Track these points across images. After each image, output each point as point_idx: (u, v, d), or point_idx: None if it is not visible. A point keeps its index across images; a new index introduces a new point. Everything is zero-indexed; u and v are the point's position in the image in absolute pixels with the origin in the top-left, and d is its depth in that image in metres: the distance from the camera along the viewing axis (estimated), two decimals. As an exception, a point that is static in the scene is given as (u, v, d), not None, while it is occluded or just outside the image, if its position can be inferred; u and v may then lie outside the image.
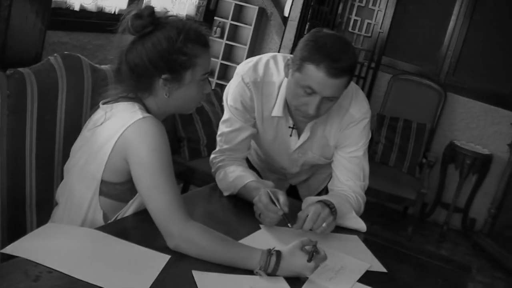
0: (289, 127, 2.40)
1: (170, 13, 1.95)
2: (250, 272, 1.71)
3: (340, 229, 2.24)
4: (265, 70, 2.35)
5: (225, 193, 2.34)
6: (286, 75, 2.21)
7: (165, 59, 1.84)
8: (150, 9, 1.86)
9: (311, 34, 2.14)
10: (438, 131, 5.89)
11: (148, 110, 1.90)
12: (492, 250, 5.34)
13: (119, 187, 1.89)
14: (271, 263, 1.70)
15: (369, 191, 5.03)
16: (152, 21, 1.85)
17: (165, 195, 1.75)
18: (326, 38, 2.09)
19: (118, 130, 1.80)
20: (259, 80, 2.34)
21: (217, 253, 1.72)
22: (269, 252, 1.72)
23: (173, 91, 1.90)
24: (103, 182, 1.87)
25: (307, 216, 2.04)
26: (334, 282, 1.79)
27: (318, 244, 1.77)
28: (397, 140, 5.57)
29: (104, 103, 1.92)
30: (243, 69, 2.37)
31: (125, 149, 1.79)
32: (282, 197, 2.08)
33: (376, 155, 5.58)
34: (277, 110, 2.34)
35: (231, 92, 2.38)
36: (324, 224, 2.05)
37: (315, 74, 2.06)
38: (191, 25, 1.91)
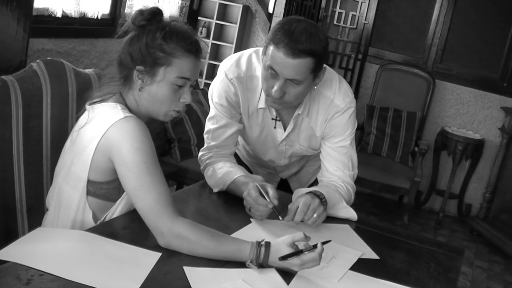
0: (272, 118, 2.40)
1: (172, 18, 1.98)
2: (241, 265, 1.72)
3: (331, 219, 2.25)
4: (247, 64, 2.36)
5: (215, 190, 2.34)
6: (261, 62, 2.22)
7: (142, 51, 1.87)
8: (154, 9, 1.91)
9: (281, 20, 2.16)
10: (428, 118, 5.91)
11: (129, 109, 1.91)
12: (489, 234, 5.37)
13: (105, 186, 1.90)
14: (261, 255, 1.71)
15: (363, 182, 5.11)
16: (149, 18, 1.89)
17: (151, 193, 1.76)
18: (291, 22, 2.10)
19: (100, 130, 1.81)
20: (243, 75, 2.35)
21: (209, 247, 1.72)
22: (259, 244, 1.73)
23: (145, 86, 1.90)
24: (89, 182, 1.88)
25: (298, 207, 2.05)
26: (325, 271, 1.80)
27: (308, 234, 1.78)
28: (388, 130, 5.58)
29: (90, 104, 1.94)
30: (226, 65, 2.37)
31: (109, 149, 1.80)
32: (271, 190, 2.09)
33: (368, 146, 5.59)
34: (262, 101, 2.35)
35: (216, 89, 2.39)
36: (315, 215, 2.06)
37: (275, 54, 2.07)
38: (181, 29, 1.92)
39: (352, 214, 2.31)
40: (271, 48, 2.09)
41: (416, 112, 5.65)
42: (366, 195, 6.00)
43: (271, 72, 2.12)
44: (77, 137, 1.90)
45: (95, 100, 1.94)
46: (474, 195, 5.94)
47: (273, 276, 1.70)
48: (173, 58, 1.87)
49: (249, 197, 2.09)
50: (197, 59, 1.94)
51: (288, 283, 1.68)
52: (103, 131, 1.80)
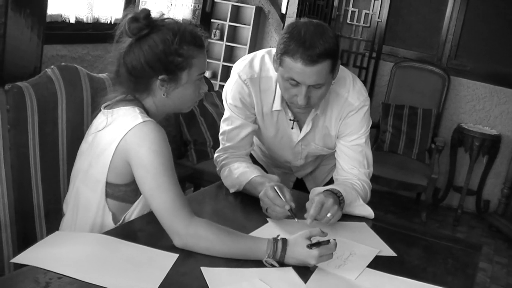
0: (290, 119, 2.41)
1: (165, 16, 1.98)
2: (258, 265, 1.72)
3: (348, 217, 2.25)
4: (261, 65, 2.36)
5: (231, 190, 2.35)
6: (276, 70, 2.22)
7: (161, 60, 1.89)
8: (146, 12, 1.90)
9: (286, 27, 2.15)
10: (444, 115, 5.88)
11: (147, 112, 1.94)
12: (508, 230, 5.33)
13: (123, 189, 1.92)
14: (278, 250, 1.73)
15: (380, 180, 5.10)
16: (148, 24, 1.89)
17: (167, 194, 1.78)
18: (299, 28, 2.09)
19: (119, 134, 1.83)
20: (256, 76, 2.35)
21: (225, 245, 1.74)
22: (275, 239, 1.75)
23: (171, 91, 1.94)
24: (108, 184, 1.90)
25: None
26: (343, 269, 1.80)
27: (326, 233, 1.79)
28: (404, 127, 5.56)
29: (105, 107, 1.96)
30: (239, 66, 2.38)
31: (127, 152, 1.83)
32: (287, 194, 2.10)
33: (385, 144, 5.58)
34: (277, 104, 2.36)
35: (230, 90, 2.40)
36: (328, 215, 2.05)
37: (293, 65, 2.07)
38: (186, 27, 1.95)
39: (369, 212, 2.30)
40: (287, 60, 2.08)
41: (432, 109, 5.62)
42: (383, 193, 5.98)
43: (292, 83, 2.13)
44: (95, 140, 1.92)
45: (110, 102, 1.96)
46: (492, 191, 5.90)
47: (291, 275, 1.70)
48: (191, 59, 1.93)
49: (266, 198, 2.10)
50: (204, 50, 2.00)
51: (305, 282, 1.68)
52: (122, 135, 1.83)
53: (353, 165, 2.41)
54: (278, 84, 2.26)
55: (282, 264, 1.73)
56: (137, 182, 1.84)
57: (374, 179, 5.01)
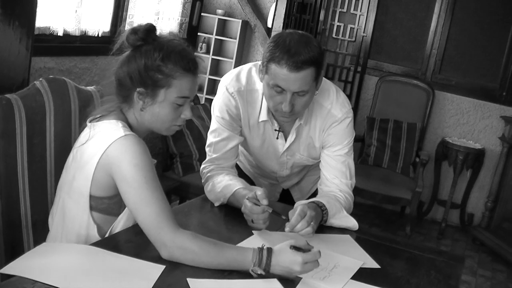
0: (275, 130, 2.44)
1: (169, 35, 2.01)
2: (244, 276, 1.74)
3: (332, 229, 2.27)
4: (247, 78, 2.40)
5: (216, 204, 2.37)
6: (261, 80, 2.26)
7: (141, 73, 1.90)
8: (147, 26, 1.93)
9: (272, 37, 2.20)
10: (429, 129, 5.93)
11: (130, 126, 1.96)
12: (492, 243, 5.37)
13: (106, 201, 1.93)
14: (263, 258, 1.74)
15: (364, 194, 5.13)
16: (144, 37, 1.92)
17: (152, 207, 1.79)
18: (284, 37, 2.15)
19: (101, 148, 1.85)
20: (243, 88, 2.39)
21: (211, 256, 1.75)
22: (260, 249, 1.77)
23: (147, 106, 1.95)
24: (91, 197, 1.91)
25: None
26: (327, 281, 1.82)
27: (310, 244, 1.81)
28: (389, 141, 5.61)
29: (90, 121, 1.97)
30: (226, 79, 2.42)
31: (109, 166, 1.84)
32: (259, 191, 2.12)
33: (369, 157, 5.62)
34: (263, 115, 2.40)
35: (217, 103, 2.43)
36: (308, 228, 2.07)
37: (278, 71, 2.11)
38: (177, 48, 1.95)
39: (353, 223, 2.33)
40: (273, 66, 2.13)
41: (416, 123, 5.68)
42: (368, 206, 6.02)
43: (277, 90, 2.16)
44: (78, 153, 1.94)
45: (95, 116, 1.98)
46: (476, 205, 5.95)
47: (275, 286, 1.72)
48: (172, 80, 1.91)
49: (246, 210, 2.13)
50: (195, 76, 1.98)
51: (290, 293, 1.70)
52: (104, 148, 1.84)
53: (335, 175, 2.44)
54: (264, 94, 2.30)
55: (268, 272, 1.75)
56: (121, 195, 1.86)
57: (358, 192, 5.05)
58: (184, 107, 1.98)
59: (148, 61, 1.90)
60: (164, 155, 4.44)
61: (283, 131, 2.47)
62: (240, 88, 2.40)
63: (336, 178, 2.44)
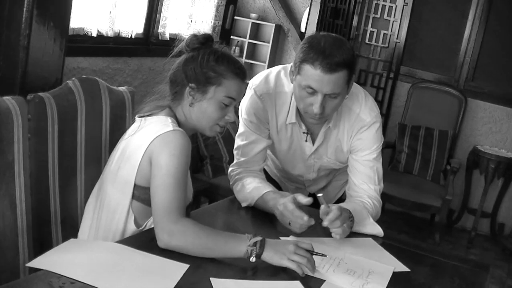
0: (304, 132, 2.46)
1: (223, 47, 2.16)
2: (267, 277, 1.77)
3: (356, 234, 2.28)
4: (276, 81, 2.42)
5: (243, 204, 2.39)
6: (292, 81, 2.28)
7: (196, 70, 2.06)
8: (207, 34, 2.13)
9: (306, 38, 2.23)
10: (460, 137, 5.89)
11: (178, 123, 2.07)
12: (522, 253, 5.32)
13: (149, 192, 1.98)
14: (257, 241, 1.81)
15: (394, 200, 5.11)
16: (203, 42, 2.10)
17: (169, 194, 1.87)
18: (318, 38, 2.18)
19: (149, 138, 1.95)
20: (271, 91, 2.41)
21: (208, 241, 1.82)
22: (253, 234, 1.84)
23: (196, 102, 2.07)
24: (136, 186, 2.01)
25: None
26: None
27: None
28: (420, 148, 5.58)
29: (139, 117, 2.09)
30: (255, 82, 2.45)
31: (152, 154, 1.94)
32: (300, 196, 2.17)
33: (400, 164, 5.60)
34: (291, 117, 2.42)
35: (245, 106, 2.45)
36: (339, 229, 2.09)
37: (311, 72, 2.13)
38: (231, 56, 2.13)
39: (378, 230, 2.33)
40: (306, 67, 2.15)
41: (448, 130, 5.64)
42: (397, 213, 5.99)
43: (309, 91, 2.18)
44: (126, 144, 2.05)
45: (144, 114, 2.09)
46: (507, 214, 5.88)
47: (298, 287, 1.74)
48: (223, 79, 2.05)
49: (287, 211, 2.14)
50: (242, 82, 2.12)
51: (312, 295, 1.72)
52: (152, 139, 1.95)
53: (363, 180, 2.44)
54: (293, 96, 2.32)
55: (259, 256, 1.80)
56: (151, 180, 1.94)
57: (388, 198, 5.02)
58: (229, 108, 2.10)
59: (203, 60, 2.06)
60: (194, 157, 4.47)
61: (311, 133, 2.47)
62: (269, 90, 2.42)
63: (364, 183, 2.44)
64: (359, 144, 2.44)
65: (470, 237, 5.63)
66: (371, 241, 2.27)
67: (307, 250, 1.84)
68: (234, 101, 2.11)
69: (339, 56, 2.12)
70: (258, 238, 1.82)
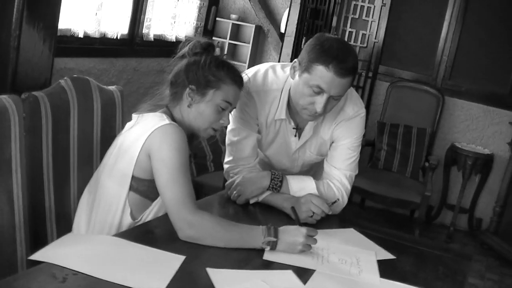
0: (293, 128, 2.52)
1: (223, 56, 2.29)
2: (261, 267, 1.84)
3: (334, 224, 2.40)
4: (264, 79, 2.49)
5: (251, 201, 2.47)
6: (293, 77, 2.35)
7: (198, 73, 2.16)
8: (209, 42, 2.27)
9: (316, 38, 2.29)
10: (438, 134, 5.98)
11: (174, 121, 2.13)
12: (500, 248, 5.41)
13: (147, 184, 2.09)
14: (272, 232, 1.94)
15: (374, 197, 5.17)
16: (205, 47, 2.23)
17: (180, 187, 1.96)
18: (331, 41, 2.25)
19: (146, 132, 2.03)
20: (260, 89, 2.48)
21: (226, 229, 1.95)
22: (268, 227, 1.96)
23: (194, 103, 2.16)
24: (134, 177, 2.08)
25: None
26: (365, 274, 1.93)
27: (320, 241, 2.00)
28: (399, 146, 5.66)
29: (136, 114, 2.17)
30: (244, 79, 2.50)
31: (150, 147, 2.02)
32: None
33: (379, 161, 5.67)
34: (280, 113, 2.48)
35: (236, 102, 2.51)
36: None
37: (324, 74, 2.20)
38: (230, 65, 2.26)
39: (311, 187, 2.48)
40: (319, 68, 2.21)
41: (426, 128, 5.72)
42: (377, 210, 6.06)
43: (316, 90, 2.25)
44: (122, 139, 2.13)
45: (142, 112, 2.17)
46: (484, 209, 5.98)
47: (290, 277, 1.80)
48: (222, 84, 2.17)
49: (315, 201, 2.36)
50: (239, 90, 2.26)
51: (304, 283, 1.78)
52: (149, 133, 2.02)
53: (336, 165, 2.54)
54: (294, 90, 2.37)
55: (274, 246, 1.93)
56: (154, 174, 2.02)
57: (368, 195, 5.09)
58: (225, 112, 2.20)
59: (205, 65, 2.17)
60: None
61: (300, 129, 2.54)
62: (257, 88, 2.48)
63: (334, 169, 2.53)
64: (339, 133, 2.52)
65: (449, 232, 5.71)
66: (353, 231, 2.36)
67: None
68: (230, 106, 2.21)
69: (351, 62, 2.22)
70: (272, 239, 1.93)
